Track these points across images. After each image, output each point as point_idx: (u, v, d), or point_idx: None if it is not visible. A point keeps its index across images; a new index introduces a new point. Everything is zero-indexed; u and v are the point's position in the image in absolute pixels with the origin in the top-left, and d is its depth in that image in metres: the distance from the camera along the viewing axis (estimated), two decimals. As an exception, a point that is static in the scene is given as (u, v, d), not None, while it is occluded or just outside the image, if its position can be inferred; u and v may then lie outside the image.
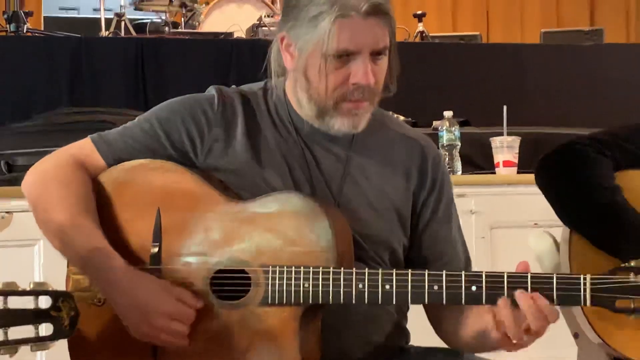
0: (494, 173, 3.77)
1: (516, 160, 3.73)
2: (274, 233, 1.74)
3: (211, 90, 1.92)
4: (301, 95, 1.84)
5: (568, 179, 2.07)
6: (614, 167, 2.07)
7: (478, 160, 4.00)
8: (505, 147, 3.74)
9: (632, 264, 1.61)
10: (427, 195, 1.93)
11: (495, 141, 3.76)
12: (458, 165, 3.73)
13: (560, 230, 2.11)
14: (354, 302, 1.68)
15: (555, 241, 2.17)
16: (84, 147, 1.90)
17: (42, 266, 3.12)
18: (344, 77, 1.77)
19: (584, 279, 1.62)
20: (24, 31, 4.53)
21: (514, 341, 1.66)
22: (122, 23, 5.22)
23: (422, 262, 1.90)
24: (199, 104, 1.89)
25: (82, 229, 1.77)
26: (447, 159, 3.65)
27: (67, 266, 1.83)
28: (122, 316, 1.74)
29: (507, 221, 3.60)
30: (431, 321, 1.95)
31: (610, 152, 2.07)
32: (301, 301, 1.70)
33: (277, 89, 1.92)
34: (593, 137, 2.11)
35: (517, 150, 3.74)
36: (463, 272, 1.67)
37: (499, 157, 3.75)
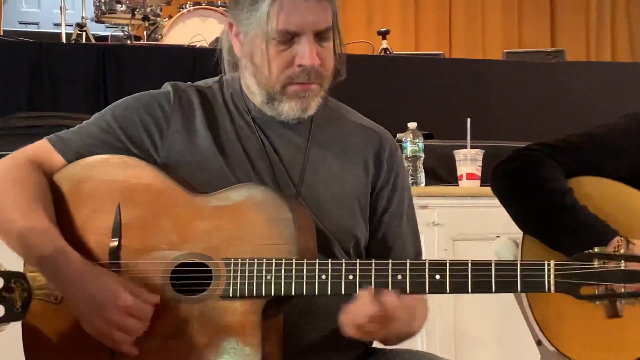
0: (457, 185, 3.77)
1: (479, 173, 3.72)
2: (235, 226, 1.71)
3: (167, 87, 1.92)
4: (250, 81, 1.85)
5: (518, 184, 2.12)
6: (565, 172, 2.10)
7: (441, 172, 4.01)
8: (469, 160, 3.74)
9: (596, 249, 1.60)
10: (382, 186, 1.92)
11: (459, 154, 3.76)
12: (421, 176, 3.72)
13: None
14: (316, 293, 1.66)
15: (519, 248, 2.19)
16: (41, 147, 1.88)
17: (-3, 269, 3.06)
18: (288, 59, 1.78)
19: (548, 265, 1.62)
20: (-18, 36, 4.50)
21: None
22: (84, 34, 5.17)
23: (372, 255, 1.89)
24: (155, 99, 1.89)
25: (36, 227, 1.73)
26: (410, 170, 3.64)
27: (24, 264, 1.79)
28: (76, 311, 1.70)
29: (469, 233, 3.59)
30: None
31: (561, 157, 2.10)
32: (263, 293, 1.67)
33: (233, 80, 1.91)
34: (546, 144, 2.15)
35: (480, 163, 3.74)
36: (427, 261, 1.65)
37: (462, 169, 3.75)
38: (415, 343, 1.96)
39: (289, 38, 1.76)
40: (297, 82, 1.79)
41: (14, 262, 1.76)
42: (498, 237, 3.20)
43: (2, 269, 1.61)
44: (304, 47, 1.76)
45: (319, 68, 1.78)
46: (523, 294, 2.09)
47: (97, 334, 1.69)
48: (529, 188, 2.09)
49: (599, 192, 2.10)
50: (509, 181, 2.14)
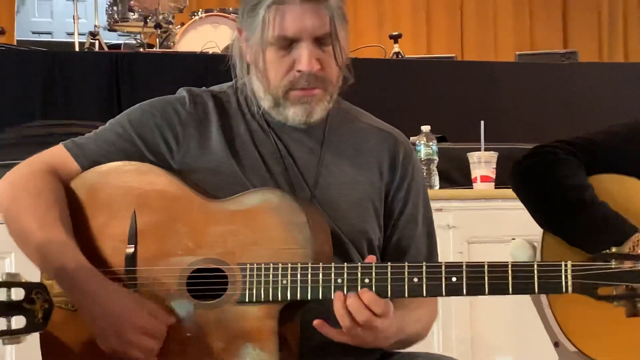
0: (472, 188, 3.76)
1: (494, 176, 3.71)
2: (250, 231, 1.71)
3: (182, 92, 1.92)
4: (257, 86, 1.86)
5: (537, 180, 2.11)
6: (586, 169, 2.09)
7: (455, 175, 3.99)
8: (482, 162, 3.72)
9: (614, 249, 1.59)
10: (397, 189, 1.92)
11: (473, 156, 3.75)
12: (435, 179, 3.71)
13: (537, 244, 2.15)
14: (332, 297, 1.65)
15: (534, 250, 2.18)
16: (57, 154, 1.88)
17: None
18: (289, 64, 1.78)
19: (565, 265, 1.61)
20: (-4, 46, 4.52)
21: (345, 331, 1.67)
22: (97, 42, 5.19)
23: (388, 257, 1.89)
24: (171, 105, 1.89)
25: (54, 239, 1.73)
26: (424, 173, 3.63)
27: (41, 273, 1.79)
28: (91, 326, 1.70)
29: (484, 236, 3.57)
30: None
31: (581, 154, 2.10)
32: (279, 298, 1.67)
33: (245, 85, 1.91)
34: (564, 140, 2.14)
35: (494, 166, 3.73)
36: (443, 263, 1.64)
37: (476, 172, 3.73)
38: (432, 349, 1.95)
39: (287, 44, 1.77)
40: (298, 88, 1.79)
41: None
42: (513, 239, 3.20)
43: (23, 280, 1.61)
44: (301, 53, 1.76)
45: (320, 73, 1.78)
46: (542, 295, 2.08)
47: (111, 351, 1.68)
48: (548, 184, 2.09)
49: (619, 189, 2.09)
50: (529, 177, 2.14)
